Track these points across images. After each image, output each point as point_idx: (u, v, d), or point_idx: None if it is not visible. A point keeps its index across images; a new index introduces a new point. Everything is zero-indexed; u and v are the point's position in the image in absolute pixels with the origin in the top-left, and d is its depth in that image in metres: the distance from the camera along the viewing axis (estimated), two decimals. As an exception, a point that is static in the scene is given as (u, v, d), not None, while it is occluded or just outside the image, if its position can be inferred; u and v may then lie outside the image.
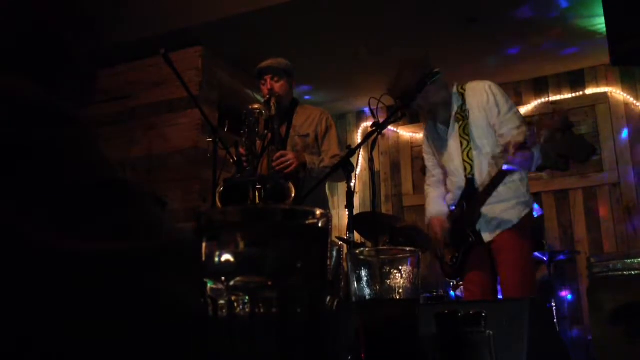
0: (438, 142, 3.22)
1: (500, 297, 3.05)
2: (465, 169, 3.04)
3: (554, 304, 4.22)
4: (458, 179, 3.08)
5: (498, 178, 2.84)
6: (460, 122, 3.07)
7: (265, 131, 3.40)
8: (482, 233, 2.97)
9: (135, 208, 0.72)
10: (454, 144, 3.09)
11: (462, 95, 3.10)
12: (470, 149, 3.02)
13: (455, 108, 3.09)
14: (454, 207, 3.14)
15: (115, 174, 0.73)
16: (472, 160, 3.01)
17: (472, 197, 2.97)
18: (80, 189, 0.68)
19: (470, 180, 3.01)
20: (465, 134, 3.05)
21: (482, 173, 2.97)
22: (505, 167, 2.79)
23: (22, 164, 0.66)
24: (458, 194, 3.08)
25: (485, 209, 2.93)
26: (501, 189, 2.92)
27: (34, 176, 0.66)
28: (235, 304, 0.52)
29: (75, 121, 0.74)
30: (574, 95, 5.44)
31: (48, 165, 0.68)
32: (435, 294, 4.34)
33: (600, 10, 3.02)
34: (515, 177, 2.97)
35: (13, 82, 0.75)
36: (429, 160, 3.35)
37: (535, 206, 3.11)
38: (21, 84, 0.75)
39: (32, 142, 0.68)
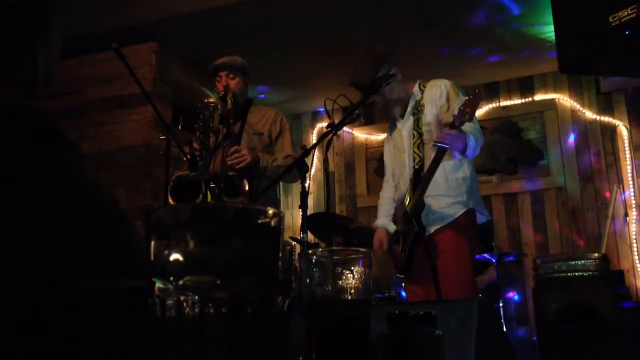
0: (395, 134, 3.35)
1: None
2: (414, 159, 3.14)
3: (501, 305, 4.31)
4: (406, 172, 3.18)
5: (435, 159, 2.93)
6: (415, 117, 3.19)
7: (220, 126, 3.37)
8: (424, 225, 3.04)
9: (127, 238, 0.68)
10: (406, 136, 3.22)
11: (422, 92, 3.23)
12: (421, 141, 3.14)
13: (412, 103, 3.22)
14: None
15: (108, 200, 0.70)
16: (421, 152, 3.11)
17: (417, 188, 3.05)
18: (75, 216, 0.64)
19: (416, 171, 3.10)
20: (418, 127, 3.17)
21: (428, 164, 3.04)
22: (435, 144, 2.90)
23: (11, 186, 0.61)
24: (404, 189, 3.16)
25: (427, 200, 3.02)
26: (441, 182, 3.04)
27: (25, 201, 0.61)
28: (184, 304, 0.51)
29: (66, 139, 0.69)
30: (523, 101, 5.57)
31: (39, 188, 0.62)
32: (387, 294, 4.38)
33: (550, 19, 3.10)
34: (459, 174, 3.07)
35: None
36: (387, 159, 3.47)
37: (483, 212, 3.17)
38: (8, 92, 0.70)
39: (21, 160, 0.62)
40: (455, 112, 2.91)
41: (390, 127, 3.43)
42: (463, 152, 2.92)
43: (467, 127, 2.91)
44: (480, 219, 3.16)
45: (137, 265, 0.66)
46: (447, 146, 2.87)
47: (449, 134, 2.84)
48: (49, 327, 0.60)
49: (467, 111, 2.86)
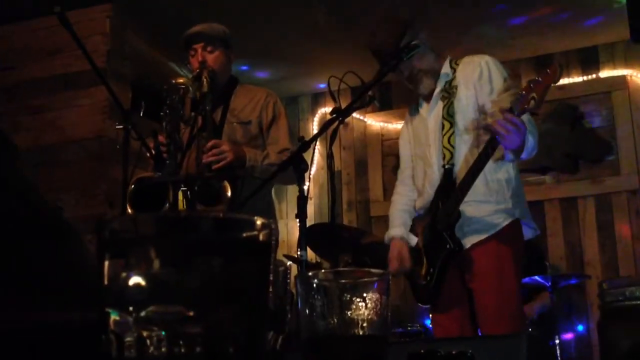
0: (417, 122, 3.30)
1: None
2: (443, 156, 3.08)
3: (557, 341, 4.31)
4: (432, 172, 3.12)
5: (481, 157, 2.84)
6: (446, 101, 3.13)
7: (193, 114, 3.37)
8: (458, 240, 2.97)
9: (73, 257, 0.69)
10: (434, 125, 3.16)
11: (454, 71, 3.18)
12: (453, 133, 3.07)
13: (442, 84, 3.16)
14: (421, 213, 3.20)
15: (49, 208, 0.70)
16: (453, 147, 3.05)
17: (449, 193, 2.99)
18: (5, 228, 0.64)
19: (447, 172, 3.05)
20: (449, 115, 3.10)
21: (463, 163, 3.01)
22: (489, 128, 2.80)
23: None
24: (431, 194, 3.10)
25: (461, 208, 2.95)
26: (480, 186, 2.97)
27: None
28: (148, 342, 0.51)
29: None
30: (585, 78, 5.57)
31: None
32: (409, 328, 4.38)
33: (620, -26, 3.10)
34: (500, 175, 3.02)
35: None
36: (405, 149, 3.42)
37: (530, 225, 3.14)
38: None
39: None
40: (514, 96, 2.82)
41: (411, 112, 3.39)
42: (517, 153, 2.83)
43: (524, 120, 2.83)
44: (527, 233, 3.14)
45: (86, 292, 0.66)
46: (506, 139, 2.72)
47: (512, 122, 2.69)
48: None
49: (532, 96, 2.77)
